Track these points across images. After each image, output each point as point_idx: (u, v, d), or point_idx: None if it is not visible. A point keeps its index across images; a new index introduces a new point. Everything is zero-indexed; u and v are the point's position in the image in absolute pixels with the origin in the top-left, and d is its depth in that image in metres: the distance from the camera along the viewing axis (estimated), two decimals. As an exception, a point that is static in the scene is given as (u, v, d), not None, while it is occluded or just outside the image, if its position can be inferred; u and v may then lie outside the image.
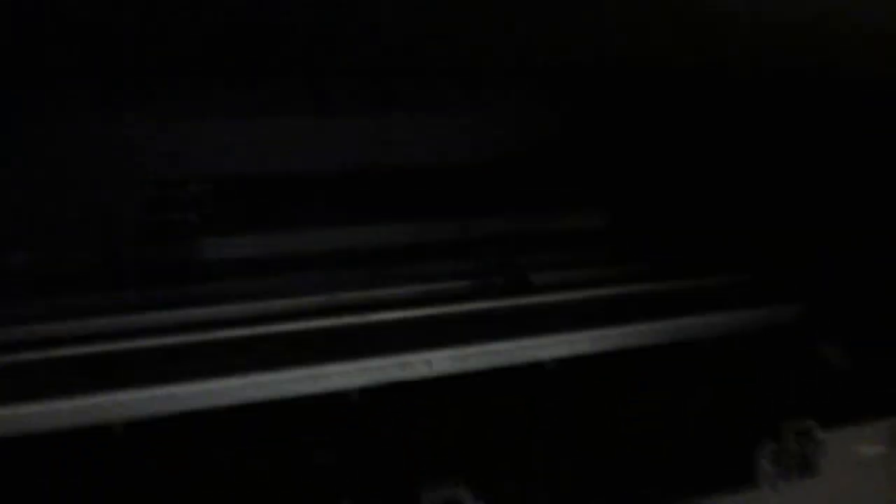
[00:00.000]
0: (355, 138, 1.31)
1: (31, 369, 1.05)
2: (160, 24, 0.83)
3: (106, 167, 1.18)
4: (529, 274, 1.35)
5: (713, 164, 1.46)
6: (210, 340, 1.17)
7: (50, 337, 1.12)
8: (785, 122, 1.39)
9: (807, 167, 1.41)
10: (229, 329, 1.18)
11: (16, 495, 0.95)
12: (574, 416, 1.22)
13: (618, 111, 1.49)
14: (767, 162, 1.43)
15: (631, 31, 1.02)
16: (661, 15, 0.98)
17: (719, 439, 1.14)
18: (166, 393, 1.03)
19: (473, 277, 1.33)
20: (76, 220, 1.21)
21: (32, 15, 0.76)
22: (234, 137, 1.24)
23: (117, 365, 1.10)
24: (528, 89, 1.42)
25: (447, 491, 0.93)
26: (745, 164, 1.44)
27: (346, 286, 1.27)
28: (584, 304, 1.34)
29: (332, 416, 1.14)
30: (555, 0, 0.92)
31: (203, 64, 1.03)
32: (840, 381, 1.33)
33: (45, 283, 1.18)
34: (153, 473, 1.06)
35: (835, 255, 1.38)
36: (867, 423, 1.17)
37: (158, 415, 1.01)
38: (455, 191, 1.35)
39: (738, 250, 1.44)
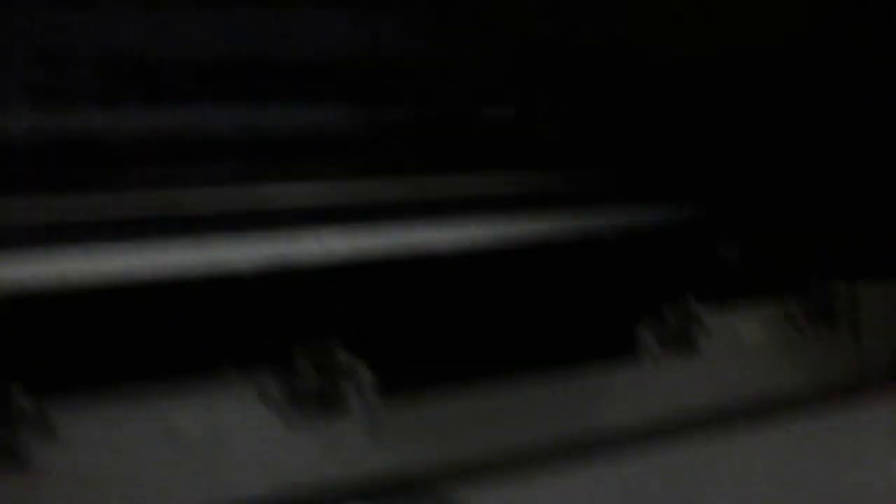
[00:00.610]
0: (255, 27, 1.28)
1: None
2: None
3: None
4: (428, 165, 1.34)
5: (622, 62, 1.46)
6: (101, 218, 1.15)
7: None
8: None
9: (713, 73, 1.42)
10: (121, 207, 1.16)
11: None
12: (466, 299, 1.22)
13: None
14: (674, 61, 1.44)
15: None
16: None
17: (606, 319, 1.15)
18: (58, 269, 1.02)
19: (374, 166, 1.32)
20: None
21: None
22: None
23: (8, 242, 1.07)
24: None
25: (321, 351, 0.93)
26: (653, 64, 1.44)
27: (242, 171, 1.25)
28: (484, 196, 1.34)
29: (223, 292, 1.13)
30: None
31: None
32: (732, 275, 1.35)
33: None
34: (41, 346, 1.04)
35: (738, 157, 1.39)
36: (751, 309, 1.19)
37: (48, 288, 1.00)
38: (360, 82, 1.34)
39: (645, 150, 1.44)
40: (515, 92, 1.43)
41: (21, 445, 0.83)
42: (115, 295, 1.06)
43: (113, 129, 1.22)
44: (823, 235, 1.29)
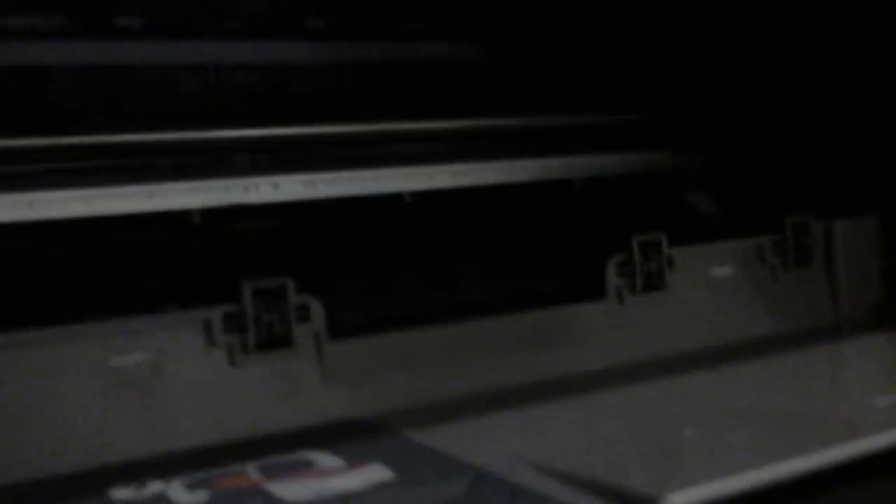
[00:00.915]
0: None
1: None
2: None
3: None
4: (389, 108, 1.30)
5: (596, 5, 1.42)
6: (53, 160, 1.10)
7: None
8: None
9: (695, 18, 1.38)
10: (72, 148, 1.12)
11: None
12: (426, 242, 1.19)
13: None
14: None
15: None
16: None
17: (574, 260, 1.12)
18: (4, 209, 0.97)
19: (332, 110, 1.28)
20: None
21: None
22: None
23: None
24: None
25: (271, 288, 0.89)
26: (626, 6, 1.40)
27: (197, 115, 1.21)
28: (449, 140, 1.30)
29: (171, 234, 1.09)
30: None
31: None
32: (704, 215, 1.32)
33: None
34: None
35: (712, 98, 1.36)
36: (719, 244, 1.15)
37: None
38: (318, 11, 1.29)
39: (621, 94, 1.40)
40: (483, 35, 1.39)
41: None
42: (65, 235, 1.03)
43: (62, 67, 1.17)
44: (798, 172, 1.26)
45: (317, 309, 0.91)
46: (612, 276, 1.07)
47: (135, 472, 0.79)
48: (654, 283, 1.08)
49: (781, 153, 1.29)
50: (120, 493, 0.75)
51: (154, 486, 0.76)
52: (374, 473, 0.77)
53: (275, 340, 0.89)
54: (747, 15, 1.29)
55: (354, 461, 0.79)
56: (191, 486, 0.76)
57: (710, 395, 0.99)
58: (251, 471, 0.78)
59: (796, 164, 1.27)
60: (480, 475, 0.77)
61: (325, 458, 0.80)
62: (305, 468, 0.79)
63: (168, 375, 0.85)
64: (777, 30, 1.28)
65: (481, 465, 0.79)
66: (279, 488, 0.75)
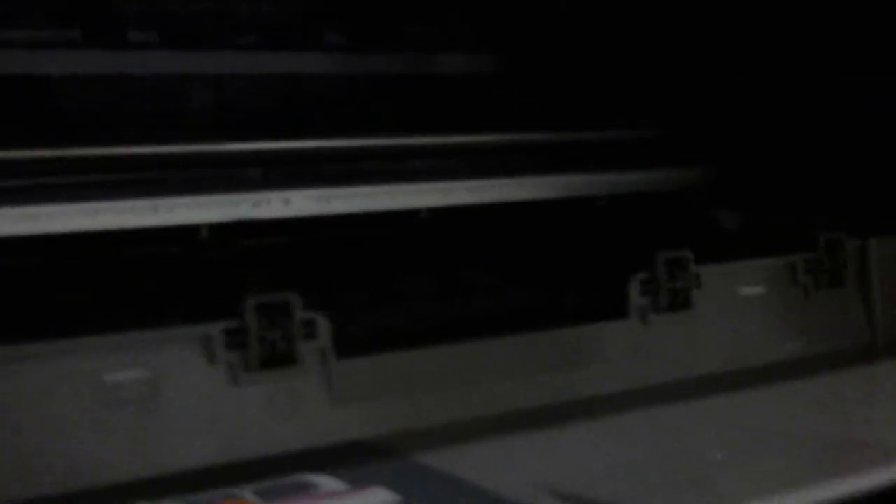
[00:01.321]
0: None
1: None
2: None
3: None
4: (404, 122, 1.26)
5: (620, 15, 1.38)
6: (56, 173, 1.08)
7: None
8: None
9: (716, 28, 1.34)
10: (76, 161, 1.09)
11: None
12: (442, 259, 1.15)
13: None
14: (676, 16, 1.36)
15: None
16: None
17: (597, 279, 1.07)
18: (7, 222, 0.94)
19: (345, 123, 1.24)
20: None
21: None
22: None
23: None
24: None
25: (275, 295, 0.85)
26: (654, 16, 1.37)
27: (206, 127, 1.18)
28: (469, 151, 1.26)
29: (179, 250, 1.06)
30: None
31: None
32: (734, 233, 1.28)
33: None
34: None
35: (739, 120, 1.32)
36: (748, 262, 1.10)
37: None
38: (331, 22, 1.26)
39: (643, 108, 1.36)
40: (501, 48, 1.36)
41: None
42: (68, 249, 1.00)
43: (67, 78, 1.15)
44: (832, 189, 1.21)
45: (323, 325, 0.87)
46: (636, 295, 1.02)
47: (127, 494, 0.75)
48: (679, 302, 1.04)
49: (810, 169, 1.24)
50: (110, 516, 0.71)
51: (147, 510, 0.72)
52: (376, 497, 0.72)
53: (278, 358, 0.85)
54: (777, 27, 1.25)
55: (356, 484, 0.75)
56: (185, 510, 0.72)
57: (739, 420, 0.94)
58: (248, 494, 0.74)
59: (826, 181, 1.23)
60: (496, 501, 0.72)
61: (325, 482, 0.76)
62: (304, 492, 0.74)
63: (165, 393, 0.81)
64: (809, 41, 1.24)
65: (495, 490, 0.75)
66: (277, 513, 0.71)
